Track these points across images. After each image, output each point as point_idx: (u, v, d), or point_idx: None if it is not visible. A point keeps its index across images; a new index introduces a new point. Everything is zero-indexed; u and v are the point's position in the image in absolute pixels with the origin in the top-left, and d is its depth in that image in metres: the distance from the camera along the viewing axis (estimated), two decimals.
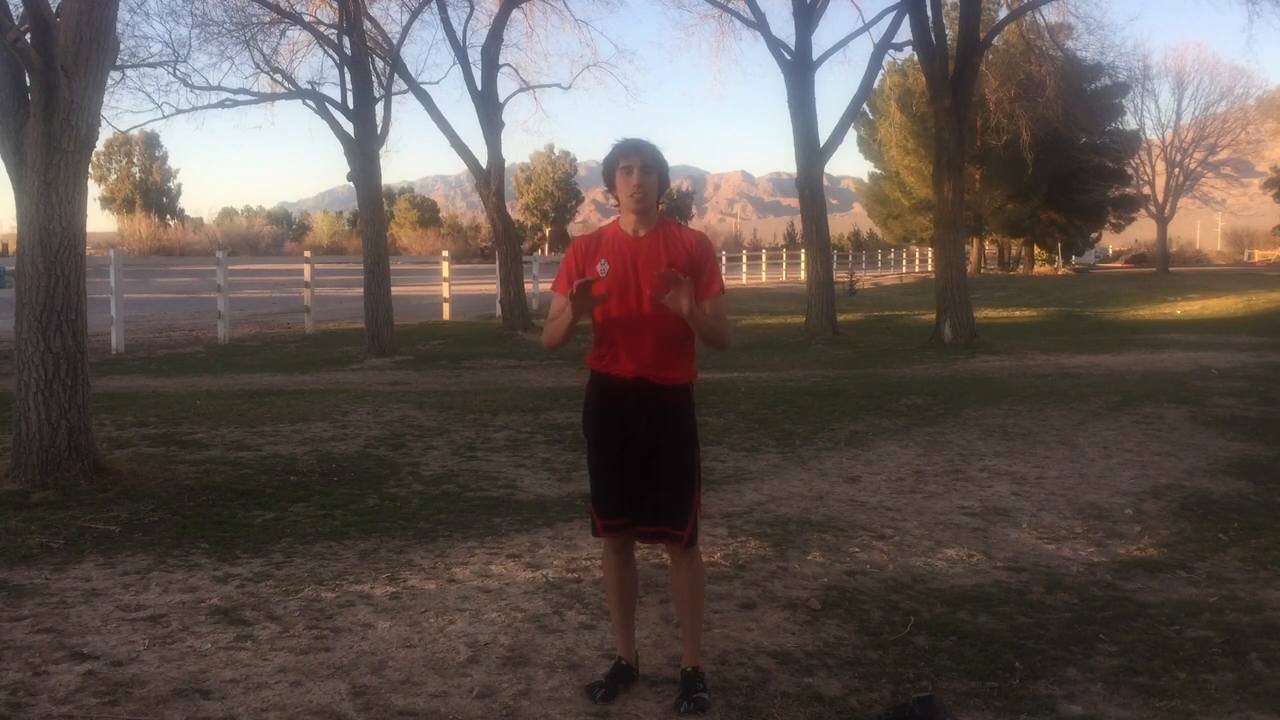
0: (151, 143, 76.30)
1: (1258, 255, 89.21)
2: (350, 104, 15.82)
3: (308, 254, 20.86)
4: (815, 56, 17.98)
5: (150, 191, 75.83)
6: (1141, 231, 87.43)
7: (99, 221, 79.85)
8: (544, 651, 3.98)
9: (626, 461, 3.55)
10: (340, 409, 9.74)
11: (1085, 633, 4.23)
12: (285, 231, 78.44)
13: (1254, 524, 5.86)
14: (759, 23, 18.27)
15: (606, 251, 3.55)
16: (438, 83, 62.91)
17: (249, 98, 16.65)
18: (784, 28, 40.54)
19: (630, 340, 3.50)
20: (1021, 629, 4.25)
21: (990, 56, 24.13)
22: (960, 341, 16.33)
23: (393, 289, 15.98)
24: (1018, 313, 25.97)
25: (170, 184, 78.26)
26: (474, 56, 19.09)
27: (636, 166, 3.48)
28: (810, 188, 17.89)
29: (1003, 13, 22.91)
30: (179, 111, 16.10)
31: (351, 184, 16.16)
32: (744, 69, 70.58)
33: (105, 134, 28.44)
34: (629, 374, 3.52)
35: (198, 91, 15.98)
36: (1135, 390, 11.21)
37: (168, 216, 75.18)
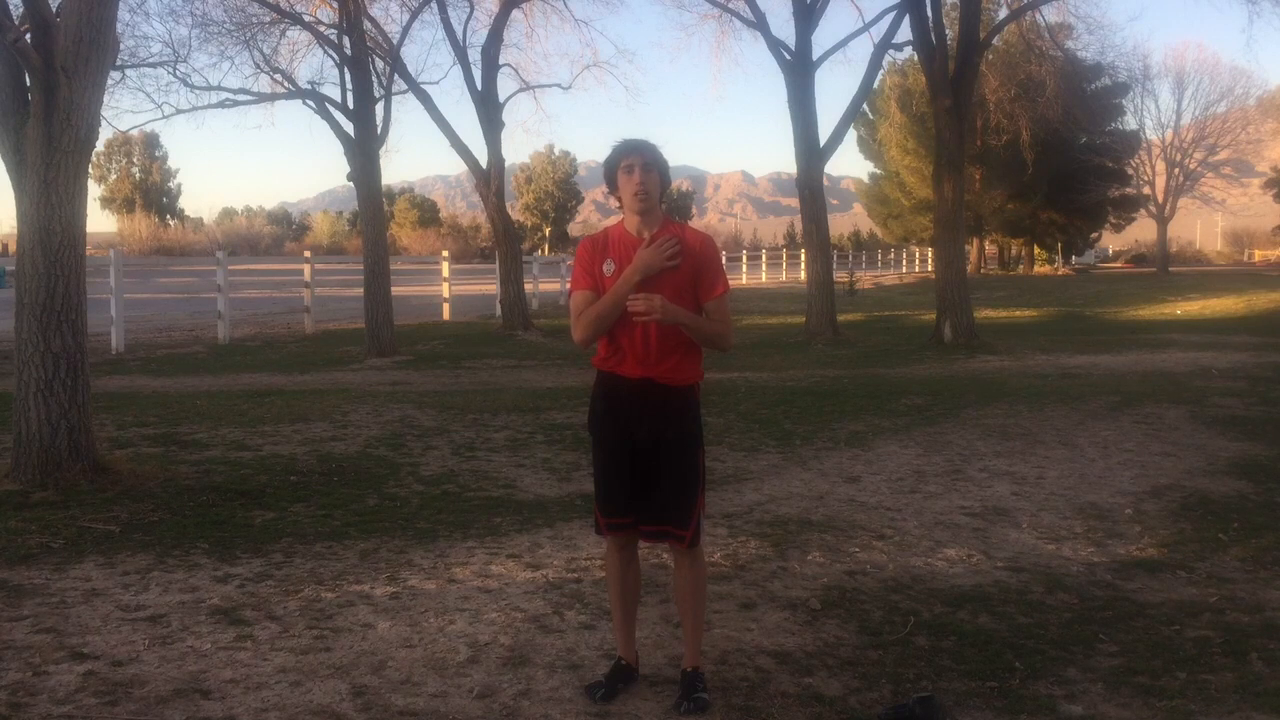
0: (151, 143, 76.44)
1: (1258, 255, 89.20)
2: (350, 104, 15.82)
3: (308, 254, 20.84)
4: (815, 56, 18.00)
5: (150, 191, 75.94)
6: (1141, 231, 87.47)
7: (99, 221, 80.00)
8: (544, 651, 3.98)
9: (631, 461, 3.56)
10: (340, 409, 9.74)
11: (1085, 633, 4.23)
12: (285, 231, 78.48)
13: (1254, 524, 5.86)
14: (759, 23, 18.28)
15: (612, 253, 3.56)
16: (438, 83, 62.98)
17: (249, 98, 16.68)
18: (784, 28, 40.52)
19: (636, 342, 3.50)
20: (1021, 629, 4.26)
21: (990, 56, 24.13)
22: (960, 341, 16.32)
23: (393, 289, 15.97)
24: (1018, 313, 25.96)
25: (170, 184, 78.41)
26: (474, 56, 19.11)
27: (638, 165, 3.48)
28: (810, 188, 17.89)
29: (1003, 13, 22.93)
30: (179, 111, 16.17)
31: (351, 184, 16.15)
32: (744, 69, 70.72)
33: (105, 134, 28.40)
34: (635, 375, 3.53)
35: (198, 91, 16.04)
36: (1135, 390, 11.21)
37: (168, 216, 75.25)
